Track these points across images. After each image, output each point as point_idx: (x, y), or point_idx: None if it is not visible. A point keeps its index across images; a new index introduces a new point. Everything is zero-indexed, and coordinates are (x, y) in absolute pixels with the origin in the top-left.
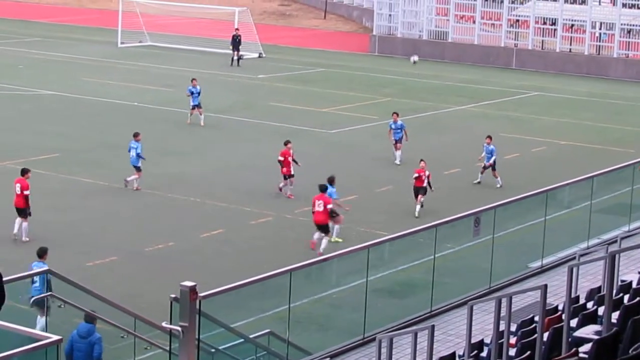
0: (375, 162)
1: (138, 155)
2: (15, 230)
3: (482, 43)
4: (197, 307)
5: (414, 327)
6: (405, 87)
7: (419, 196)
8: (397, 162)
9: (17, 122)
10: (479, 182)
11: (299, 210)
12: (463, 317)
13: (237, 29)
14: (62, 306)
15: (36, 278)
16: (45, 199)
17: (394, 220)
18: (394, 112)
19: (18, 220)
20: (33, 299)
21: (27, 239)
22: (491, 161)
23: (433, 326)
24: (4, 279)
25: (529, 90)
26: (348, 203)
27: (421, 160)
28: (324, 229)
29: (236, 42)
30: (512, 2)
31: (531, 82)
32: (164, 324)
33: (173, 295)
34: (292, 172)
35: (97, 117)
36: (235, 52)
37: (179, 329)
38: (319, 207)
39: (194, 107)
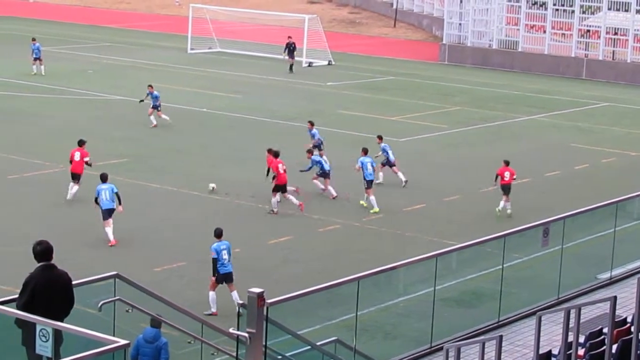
0: (443, 171)
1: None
2: (70, 196)
3: (552, 53)
4: (265, 313)
5: (482, 337)
6: (475, 96)
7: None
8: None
9: (87, 127)
10: (380, 183)
11: (367, 218)
12: (531, 328)
13: (289, 37)
14: (130, 310)
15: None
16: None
17: (462, 229)
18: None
19: (72, 184)
20: (101, 302)
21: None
22: (390, 159)
23: (501, 336)
24: (73, 282)
25: (599, 101)
26: (416, 212)
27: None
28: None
29: (291, 50)
30: (583, 12)
31: (601, 92)
32: (231, 330)
33: (240, 302)
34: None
35: (165, 123)
36: (290, 59)
37: (246, 335)
38: (281, 169)
39: (154, 107)
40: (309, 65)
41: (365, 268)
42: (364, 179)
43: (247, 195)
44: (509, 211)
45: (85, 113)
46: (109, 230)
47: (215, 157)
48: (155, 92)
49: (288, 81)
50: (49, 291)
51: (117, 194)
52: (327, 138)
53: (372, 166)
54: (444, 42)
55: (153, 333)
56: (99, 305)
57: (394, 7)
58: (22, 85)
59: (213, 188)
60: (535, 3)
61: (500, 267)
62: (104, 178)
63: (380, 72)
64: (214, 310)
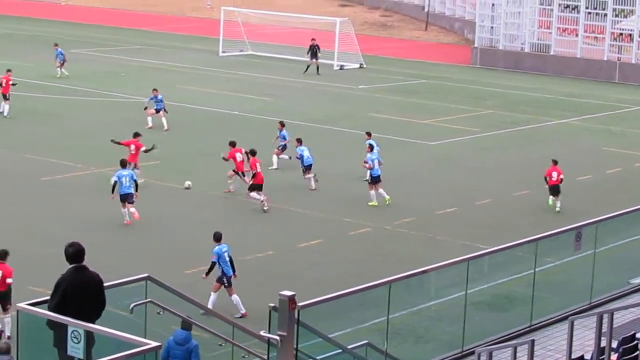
0: (475, 174)
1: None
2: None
3: (584, 56)
4: (296, 316)
5: (514, 342)
6: (507, 100)
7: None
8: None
9: (119, 129)
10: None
11: (398, 222)
12: (563, 333)
13: (313, 39)
14: (161, 313)
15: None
16: (145, 206)
17: (493, 233)
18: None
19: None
20: (133, 304)
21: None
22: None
23: (533, 341)
24: (105, 284)
25: (632, 105)
26: (448, 216)
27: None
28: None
29: (314, 52)
30: (616, 16)
31: (634, 96)
32: (262, 333)
33: (272, 304)
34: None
35: (198, 125)
36: (314, 61)
37: (277, 338)
38: (259, 168)
39: (158, 111)
40: (341, 69)
41: (397, 271)
42: (370, 175)
43: (279, 199)
44: (558, 209)
45: (116, 115)
46: (125, 211)
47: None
48: (160, 96)
49: (319, 84)
50: (80, 293)
51: (135, 181)
52: (359, 141)
53: (379, 162)
54: (475, 45)
55: (184, 335)
56: (131, 307)
57: (426, 10)
58: (54, 88)
59: (189, 186)
60: (568, 6)
61: (532, 271)
62: (124, 164)
63: (412, 75)
64: (243, 311)
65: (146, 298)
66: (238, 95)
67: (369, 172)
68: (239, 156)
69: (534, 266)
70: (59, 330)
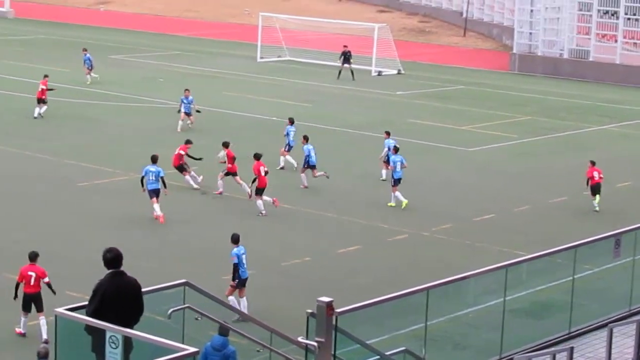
0: (513, 181)
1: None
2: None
3: (623, 62)
4: (334, 322)
5: (552, 349)
6: (545, 106)
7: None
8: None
9: (157, 135)
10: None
11: (436, 228)
12: (602, 340)
13: (345, 46)
14: (199, 318)
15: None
16: (182, 213)
17: (532, 240)
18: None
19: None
20: (171, 310)
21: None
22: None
23: (572, 348)
24: (143, 289)
25: None
26: (486, 222)
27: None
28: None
29: (346, 58)
30: None
31: None
32: (299, 339)
33: (309, 311)
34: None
35: (237, 131)
36: (346, 66)
37: (315, 344)
38: (262, 172)
39: (187, 114)
40: (379, 74)
41: (435, 278)
42: (392, 177)
43: (317, 205)
44: (596, 208)
45: (154, 121)
46: (157, 206)
47: (286, 166)
48: (190, 97)
49: (357, 90)
50: (118, 298)
51: (162, 178)
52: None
53: (402, 164)
54: (514, 51)
55: (221, 341)
56: (169, 312)
57: (464, 16)
58: (93, 93)
59: (222, 157)
60: (607, 12)
61: (571, 278)
62: (154, 159)
63: (450, 82)
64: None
65: (184, 304)
66: (276, 101)
67: (385, 172)
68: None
69: (572, 273)
70: (97, 336)
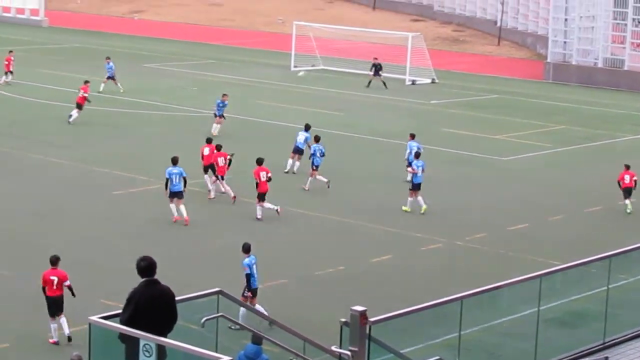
0: (548, 190)
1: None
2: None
3: None
4: (367, 332)
5: (586, 359)
6: (580, 115)
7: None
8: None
9: (191, 143)
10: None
11: (470, 237)
12: (637, 350)
13: (375, 58)
14: (232, 327)
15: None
16: (218, 221)
17: (566, 249)
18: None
19: (206, 177)
20: (204, 319)
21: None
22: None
23: (606, 358)
24: (176, 298)
25: None
26: (520, 231)
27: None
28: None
29: (376, 70)
30: None
31: None
32: (333, 348)
33: (343, 320)
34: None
35: (271, 140)
36: (377, 77)
37: (349, 353)
38: (263, 177)
39: (220, 117)
40: (413, 83)
41: (469, 287)
42: (412, 181)
43: (349, 214)
44: (628, 210)
45: (188, 129)
46: (172, 207)
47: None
48: (227, 102)
49: (391, 99)
50: (152, 306)
51: (184, 178)
52: (431, 155)
53: (423, 169)
54: (548, 60)
55: (254, 349)
56: (202, 321)
57: (498, 25)
58: (126, 101)
59: (304, 74)
60: None
61: (606, 288)
62: (175, 161)
63: (484, 90)
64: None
65: (218, 312)
66: (310, 110)
67: (411, 176)
68: (220, 160)
69: (607, 283)
70: (131, 344)
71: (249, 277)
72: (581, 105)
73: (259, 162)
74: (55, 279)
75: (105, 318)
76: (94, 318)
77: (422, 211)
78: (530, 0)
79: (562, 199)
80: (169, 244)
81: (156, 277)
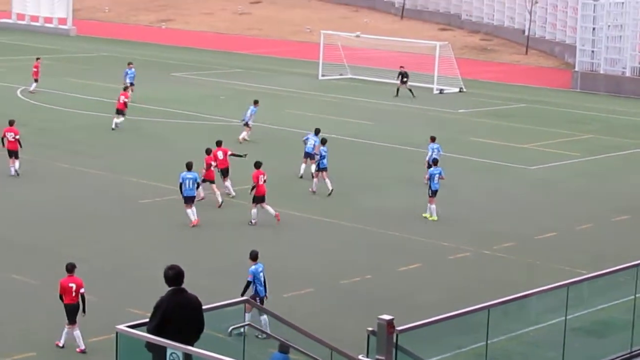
0: (576, 199)
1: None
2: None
3: None
4: (394, 340)
5: None
6: (608, 125)
7: None
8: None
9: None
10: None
11: (498, 246)
12: None
13: (402, 67)
14: (259, 336)
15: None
16: (244, 229)
17: (594, 258)
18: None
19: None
20: (231, 327)
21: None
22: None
23: None
24: (203, 307)
25: None
26: (548, 240)
27: None
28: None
29: (402, 78)
30: None
31: None
32: (360, 357)
33: (370, 329)
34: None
35: (299, 149)
36: (403, 86)
37: None
38: (261, 180)
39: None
40: (440, 92)
41: (496, 296)
42: (430, 188)
43: (377, 223)
44: None
45: (215, 138)
46: (190, 212)
47: (347, 184)
48: (256, 109)
49: (419, 108)
50: (179, 315)
51: (198, 183)
52: (458, 164)
53: (440, 176)
54: (576, 69)
55: (281, 358)
56: (229, 330)
57: (526, 34)
58: (154, 110)
59: (358, 35)
60: None
61: (633, 297)
62: (189, 166)
63: (512, 100)
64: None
65: (245, 321)
66: (338, 119)
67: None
68: (220, 154)
69: (634, 292)
70: (158, 353)
71: (249, 284)
72: (609, 114)
73: (257, 165)
74: (74, 286)
75: (132, 327)
76: (121, 327)
77: (430, 218)
78: (559, 9)
79: (590, 207)
80: (196, 253)
81: (183, 285)
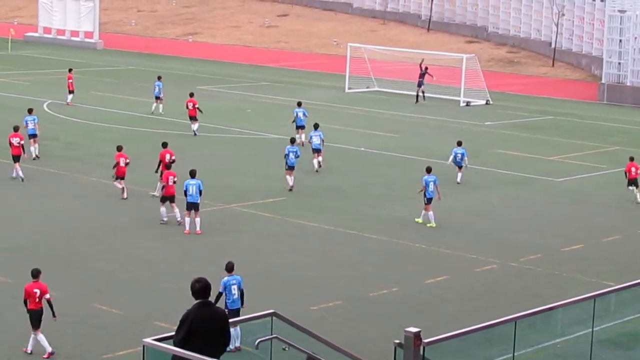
0: (603, 211)
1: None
2: None
3: None
4: (421, 353)
5: None
6: (635, 136)
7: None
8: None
9: (245, 165)
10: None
11: (524, 258)
12: None
13: (426, 67)
14: (287, 349)
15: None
16: (271, 241)
17: (621, 270)
18: None
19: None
20: (258, 340)
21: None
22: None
23: None
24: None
25: None
26: (574, 252)
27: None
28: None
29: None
30: None
31: None
32: None
33: (397, 341)
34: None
35: (325, 162)
36: (419, 89)
37: None
38: (171, 181)
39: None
40: (467, 105)
41: (523, 308)
42: (425, 196)
43: (405, 234)
44: (639, 201)
45: (243, 151)
46: (188, 220)
47: (373, 196)
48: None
49: (445, 120)
50: (206, 328)
51: (201, 191)
52: (485, 176)
53: (435, 184)
54: (602, 81)
55: None
56: (256, 343)
57: (553, 46)
58: (179, 124)
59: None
60: None
61: None
62: (193, 174)
63: (539, 112)
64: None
65: (272, 334)
66: (365, 132)
67: (460, 175)
68: (166, 157)
69: None
70: None
71: (220, 295)
72: (636, 126)
73: (168, 166)
74: (38, 291)
75: (159, 340)
76: (148, 340)
77: (428, 224)
78: (585, 22)
79: (617, 219)
80: (222, 266)
81: (210, 299)
